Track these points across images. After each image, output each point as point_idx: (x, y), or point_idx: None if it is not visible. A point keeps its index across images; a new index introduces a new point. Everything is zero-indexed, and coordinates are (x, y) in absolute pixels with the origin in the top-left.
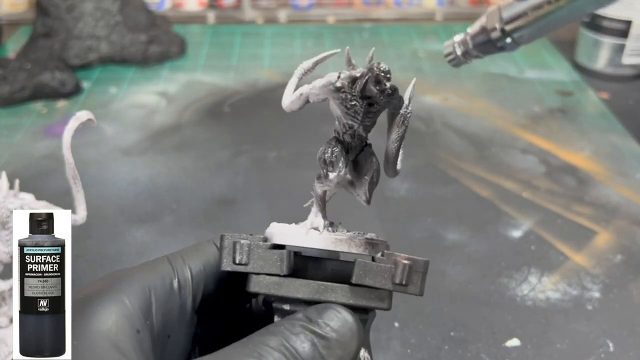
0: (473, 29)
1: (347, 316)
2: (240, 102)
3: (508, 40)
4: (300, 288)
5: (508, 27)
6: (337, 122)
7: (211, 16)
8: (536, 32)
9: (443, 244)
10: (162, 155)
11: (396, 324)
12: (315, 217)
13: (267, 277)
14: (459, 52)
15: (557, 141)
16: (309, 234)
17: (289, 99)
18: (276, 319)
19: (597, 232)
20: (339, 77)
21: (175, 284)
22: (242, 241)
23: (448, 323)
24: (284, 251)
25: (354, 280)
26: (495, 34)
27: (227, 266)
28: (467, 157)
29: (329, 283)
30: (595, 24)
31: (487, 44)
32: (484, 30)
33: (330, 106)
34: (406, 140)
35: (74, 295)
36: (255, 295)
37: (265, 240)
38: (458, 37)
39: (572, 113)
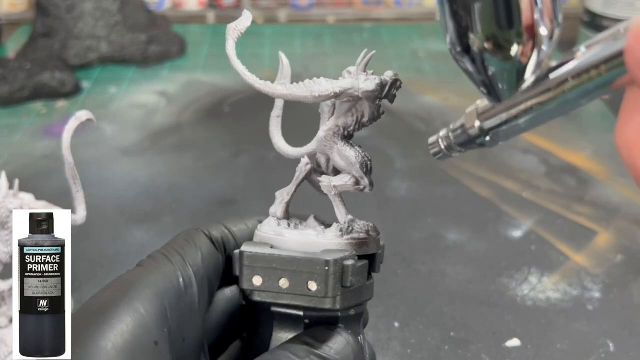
0: (454, 125)
1: (347, 338)
2: (240, 102)
3: (487, 138)
4: (369, 289)
5: (486, 126)
6: (351, 122)
7: (211, 16)
8: (513, 131)
9: (443, 244)
10: (161, 155)
11: (396, 324)
12: (357, 220)
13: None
14: (442, 146)
15: (557, 141)
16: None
17: (310, 90)
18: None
19: (597, 232)
20: (378, 84)
21: (182, 284)
22: (349, 262)
23: (448, 323)
24: (367, 261)
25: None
26: (473, 132)
27: (337, 291)
28: (467, 157)
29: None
30: (595, 24)
31: (467, 141)
32: (463, 127)
33: (344, 107)
34: (406, 140)
35: (87, 306)
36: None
37: (356, 257)
38: (442, 133)
39: (572, 113)
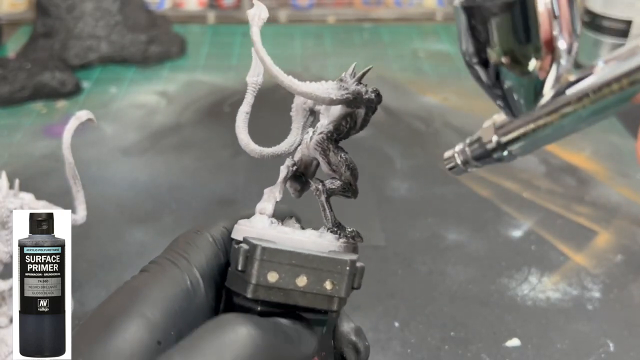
0: (471, 139)
1: (311, 333)
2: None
3: (505, 152)
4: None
5: (503, 140)
6: (344, 128)
7: (211, 16)
8: (531, 146)
9: (443, 244)
10: (162, 155)
11: (396, 324)
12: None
13: None
14: (458, 161)
15: (557, 141)
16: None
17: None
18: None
19: (597, 232)
20: (377, 95)
21: (190, 287)
22: (360, 264)
23: (448, 323)
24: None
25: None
26: (491, 146)
27: (349, 292)
28: None
29: None
30: (596, 24)
31: (484, 155)
32: (480, 142)
33: (341, 113)
34: (406, 140)
35: (95, 315)
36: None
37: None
38: (458, 147)
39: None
